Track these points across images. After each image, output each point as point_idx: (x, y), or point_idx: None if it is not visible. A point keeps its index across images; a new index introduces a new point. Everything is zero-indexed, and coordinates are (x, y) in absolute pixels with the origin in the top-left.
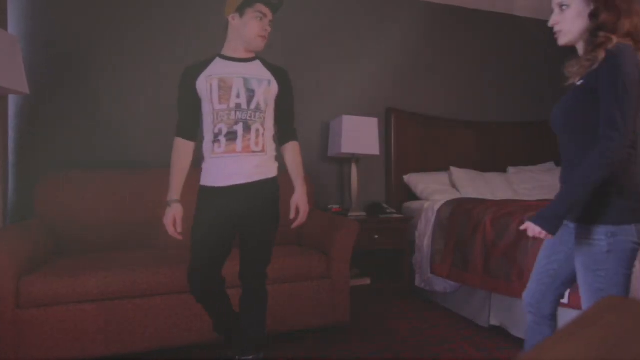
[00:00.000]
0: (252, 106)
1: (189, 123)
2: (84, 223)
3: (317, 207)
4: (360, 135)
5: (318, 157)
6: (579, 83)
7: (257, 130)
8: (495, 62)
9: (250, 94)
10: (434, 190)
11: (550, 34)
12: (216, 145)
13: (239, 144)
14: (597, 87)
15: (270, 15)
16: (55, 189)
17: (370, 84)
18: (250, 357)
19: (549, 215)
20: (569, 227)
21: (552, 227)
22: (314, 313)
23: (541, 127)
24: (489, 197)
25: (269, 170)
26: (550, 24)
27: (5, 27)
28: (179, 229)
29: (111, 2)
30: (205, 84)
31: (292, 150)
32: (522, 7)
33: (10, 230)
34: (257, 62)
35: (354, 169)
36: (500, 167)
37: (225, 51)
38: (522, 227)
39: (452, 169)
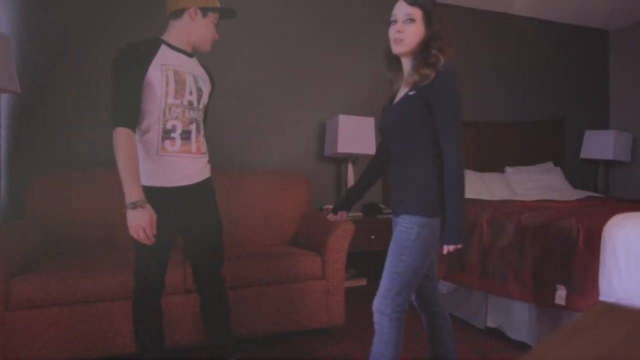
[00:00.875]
0: (200, 106)
1: (134, 112)
2: (80, 223)
3: (313, 207)
4: (356, 135)
5: (314, 157)
6: (411, 93)
7: (203, 131)
8: (493, 62)
9: (199, 92)
10: None
11: (548, 33)
12: (168, 142)
13: (193, 144)
14: (429, 99)
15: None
16: (51, 189)
17: (367, 83)
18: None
19: (456, 230)
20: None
21: (464, 236)
22: (308, 314)
23: (539, 127)
24: (487, 197)
25: (207, 172)
26: (395, 29)
27: None
28: (155, 232)
29: (111, 2)
30: (161, 74)
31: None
32: (521, 6)
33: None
34: (196, 59)
35: (350, 169)
36: (498, 167)
37: (170, 39)
38: (444, 252)
39: None
